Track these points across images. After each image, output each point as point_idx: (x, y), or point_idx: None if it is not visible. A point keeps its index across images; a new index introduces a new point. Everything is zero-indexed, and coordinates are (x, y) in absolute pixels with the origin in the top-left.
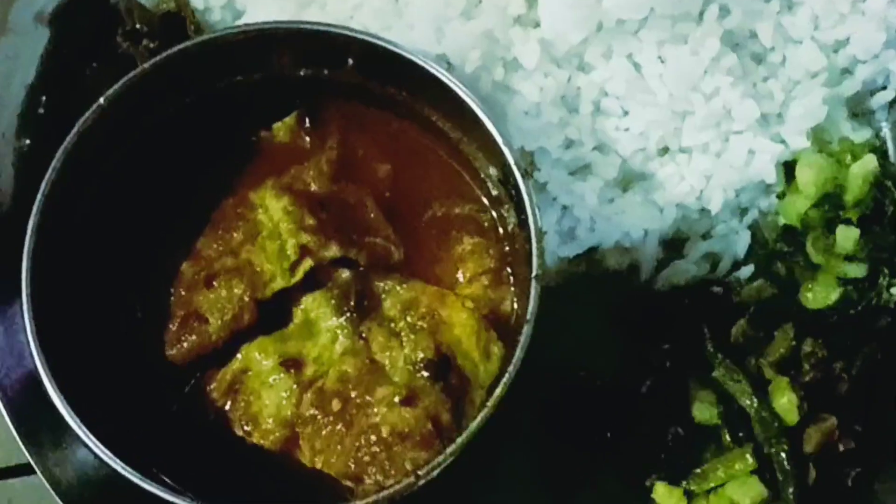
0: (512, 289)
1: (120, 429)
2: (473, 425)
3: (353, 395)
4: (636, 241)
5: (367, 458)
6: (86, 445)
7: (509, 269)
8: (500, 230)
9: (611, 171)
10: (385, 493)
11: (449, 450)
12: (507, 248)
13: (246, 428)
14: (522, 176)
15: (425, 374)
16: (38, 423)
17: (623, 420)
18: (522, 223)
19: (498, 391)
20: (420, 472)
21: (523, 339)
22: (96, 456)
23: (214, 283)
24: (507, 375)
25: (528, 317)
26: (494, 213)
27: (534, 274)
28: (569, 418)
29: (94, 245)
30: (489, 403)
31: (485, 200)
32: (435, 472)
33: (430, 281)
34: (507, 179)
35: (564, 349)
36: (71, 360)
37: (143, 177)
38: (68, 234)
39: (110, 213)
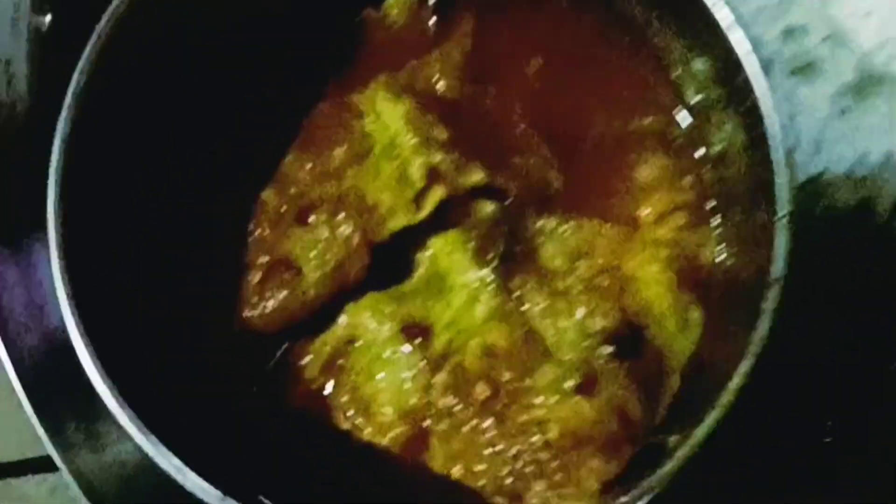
0: (715, 232)
1: (175, 416)
2: (702, 430)
3: (505, 377)
4: (875, 167)
5: (529, 469)
6: (129, 436)
7: (712, 205)
8: (700, 150)
9: (845, 71)
10: None
11: (665, 468)
12: (708, 176)
13: (354, 420)
14: (762, 70)
15: (607, 349)
16: (63, 404)
17: (859, 410)
18: (752, 140)
19: (735, 381)
20: (624, 499)
21: (767, 306)
22: (142, 451)
23: (311, 217)
24: (746, 359)
25: (776, 274)
26: (692, 127)
27: (779, 214)
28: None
29: (142, 165)
30: (722, 398)
31: (676, 111)
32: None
33: (603, 220)
34: (723, 76)
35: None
36: (110, 322)
37: (205, 71)
38: (106, 149)
39: (162, 120)
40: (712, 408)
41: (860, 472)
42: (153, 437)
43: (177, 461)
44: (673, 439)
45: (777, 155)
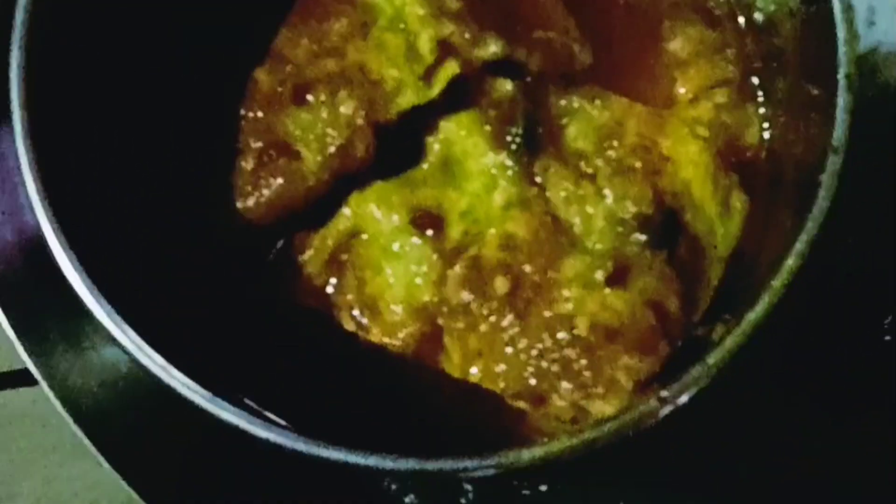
0: (761, 111)
1: (161, 314)
2: (753, 316)
3: (526, 269)
4: None
5: (554, 368)
6: (115, 341)
7: (756, 81)
8: (742, 19)
9: None
10: (606, 426)
11: (711, 358)
12: (752, 47)
13: (360, 319)
14: None
15: (641, 237)
16: (41, 311)
17: None
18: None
19: (790, 262)
20: (665, 394)
21: (826, 179)
22: (125, 350)
23: (309, 96)
24: (803, 236)
25: (836, 143)
26: None
27: (841, 73)
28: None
29: (116, 40)
30: (775, 281)
31: None
32: (684, 397)
33: (634, 98)
34: None
35: None
36: (89, 215)
37: None
38: (74, 20)
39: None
40: (764, 292)
41: None
42: (134, 334)
43: (160, 359)
44: (718, 330)
45: (837, 9)
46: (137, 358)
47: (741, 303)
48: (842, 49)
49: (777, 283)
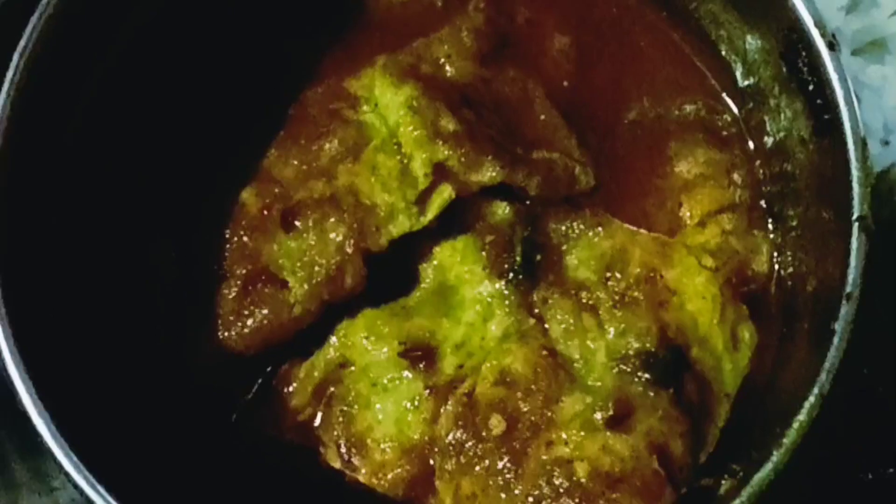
0: (770, 237)
1: (132, 457)
2: (763, 473)
3: (523, 408)
4: None
5: None
6: (76, 486)
7: (765, 205)
8: (750, 143)
9: None
10: None
11: None
12: (762, 172)
13: (346, 457)
14: (828, 47)
15: (645, 375)
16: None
17: None
18: (818, 127)
19: (803, 414)
20: None
21: (840, 327)
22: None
23: (297, 222)
24: (817, 387)
25: (850, 288)
26: (743, 114)
27: (856, 215)
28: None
29: (95, 170)
30: (788, 435)
31: (725, 96)
32: None
33: (638, 223)
34: (782, 54)
35: None
36: (61, 354)
37: (170, 56)
38: (55, 158)
39: (120, 120)
40: (776, 443)
41: None
42: (90, 475)
43: None
44: (726, 483)
45: (851, 143)
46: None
47: (751, 449)
48: (856, 189)
49: (790, 434)
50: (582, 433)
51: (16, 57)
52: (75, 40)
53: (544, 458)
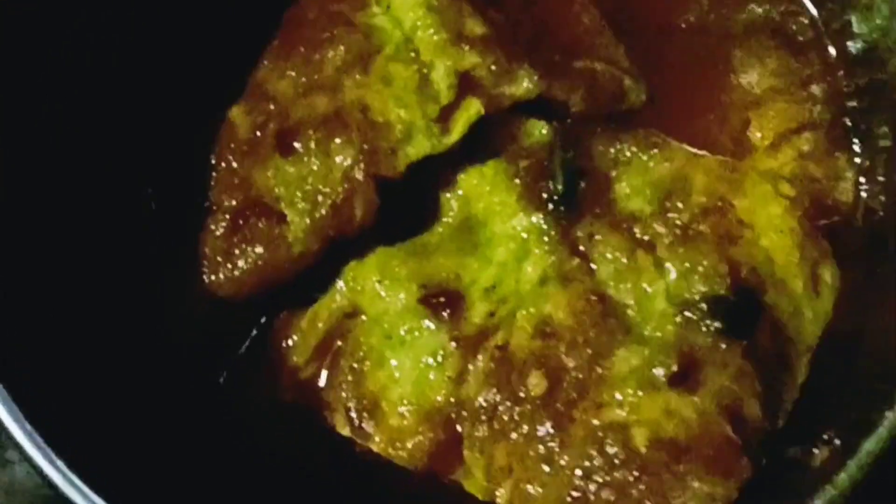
0: (855, 160)
1: (106, 429)
2: (874, 440)
3: (568, 363)
4: None
5: (605, 494)
6: (30, 462)
7: (849, 123)
8: (831, 49)
9: None
10: None
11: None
12: (845, 84)
13: (357, 423)
14: None
15: (713, 324)
16: None
17: None
18: None
19: None
20: None
21: None
22: (49, 482)
23: (296, 143)
24: None
25: None
26: (824, 15)
27: None
28: None
29: (71, 87)
30: None
31: None
32: None
33: (698, 144)
34: None
35: None
36: (16, 302)
37: None
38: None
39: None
40: (885, 402)
41: None
42: (59, 462)
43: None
44: (820, 453)
45: None
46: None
47: (846, 411)
48: None
49: None
50: (640, 393)
51: None
52: None
53: (595, 422)
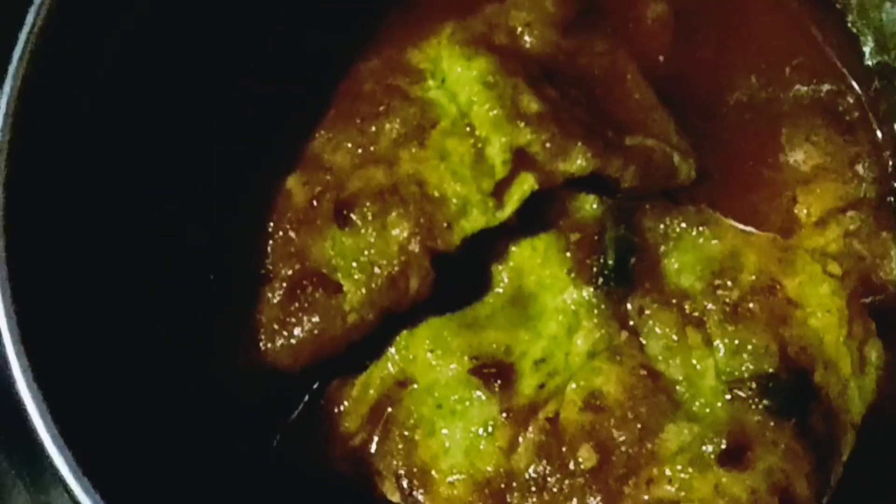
0: None
1: (164, 490)
2: None
3: (618, 438)
4: None
5: None
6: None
7: (892, 200)
8: (878, 130)
9: None
10: None
11: None
12: (891, 164)
13: (407, 491)
14: None
15: (764, 403)
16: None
17: None
18: None
19: None
20: None
21: None
22: None
23: (353, 215)
24: None
25: None
26: (866, 98)
27: None
28: None
29: (121, 155)
30: None
31: (848, 74)
32: None
33: (746, 221)
34: None
35: None
36: (76, 366)
37: (208, 20)
38: (76, 141)
39: (151, 95)
40: None
41: None
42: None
43: None
44: None
45: None
46: None
47: (890, 490)
48: None
49: None
50: (690, 470)
51: (22, 36)
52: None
53: (645, 498)
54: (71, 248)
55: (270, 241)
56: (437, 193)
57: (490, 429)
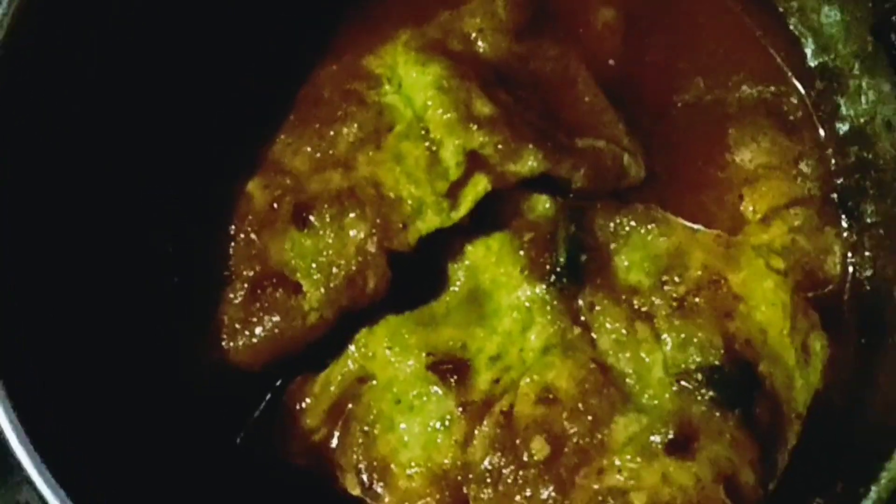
0: (843, 235)
1: (129, 487)
2: None
3: (570, 430)
4: None
5: None
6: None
7: (837, 199)
8: (820, 129)
9: None
10: None
11: None
12: (834, 162)
13: (367, 484)
14: None
15: (710, 394)
16: None
17: None
18: None
19: None
20: None
21: None
22: None
23: (311, 217)
24: None
25: None
26: (809, 98)
27: None
28: None
29: (87, 160)
30: (889, 467)
31: (791, 76)
32: None
33: (695, 219)
34: (879, 28)
35: None
36: (34, 356)
37: (168, 29)
38: (48, 147)
39: (115, 102)
40: (874, 474)
41: None
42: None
43: None
44: None
45: None
46: None
47: (837, 478)
48: None
49: (889, 472)
50: (638, 459)
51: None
52: (70, 17)
53: (595, 487)
54: (38, 249)
55: (232, 244)
56: (392, 195)
57: (447, 423)
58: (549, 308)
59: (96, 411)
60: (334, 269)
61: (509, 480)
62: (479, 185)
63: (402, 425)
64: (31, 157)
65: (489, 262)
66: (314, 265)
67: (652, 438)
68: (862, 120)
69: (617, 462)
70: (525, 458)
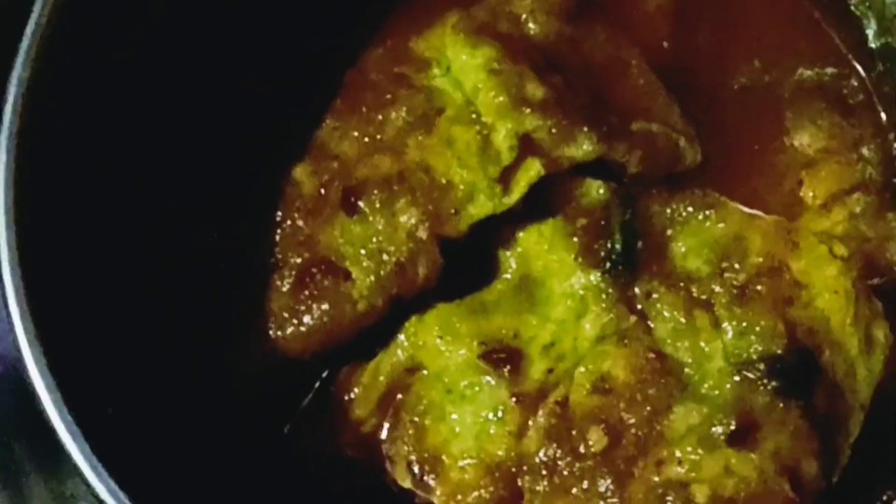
0: None
1: (177, 478)
2: None
3: (627, 421)
4: None
5: None
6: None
7: None
8: (882, 112)
9: None
10: None
11: None
12: (895, 147)
13: (418, 476)
14: None
15: (772, 384)
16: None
17: None
18: None
19: None
20: None
21: None
22: None
23: (361, 203)
24: None
25: None
26: (876, 78)
27: None
28: None
29: (127, 148)
30: None
31: (851, 58)
32: None
33: (751, 204)
34: None
35: None
36: (88, 356)
37: (211, 14)
38: (85, 135)
39: (157, 89)
40: None
41: None
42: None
43: None
44: None
45: None
46: None
47: None
48: None
49: None
50: (699, 451)
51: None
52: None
53: (655, 479)
54: (83, 242)
55: (279, 231)
56: (443, 180)
57: (500, 413)
58: (603, 296)
59: (145, 402)
60: (384, 256)
61: (565, 472)
62: (532, 170)
63: (454, 416)
64: (80, 146)
65: (541, 249)
66: (363, 252)
67: (713, 429)
68: None
69: (677, 453)
70: (582, 450)
